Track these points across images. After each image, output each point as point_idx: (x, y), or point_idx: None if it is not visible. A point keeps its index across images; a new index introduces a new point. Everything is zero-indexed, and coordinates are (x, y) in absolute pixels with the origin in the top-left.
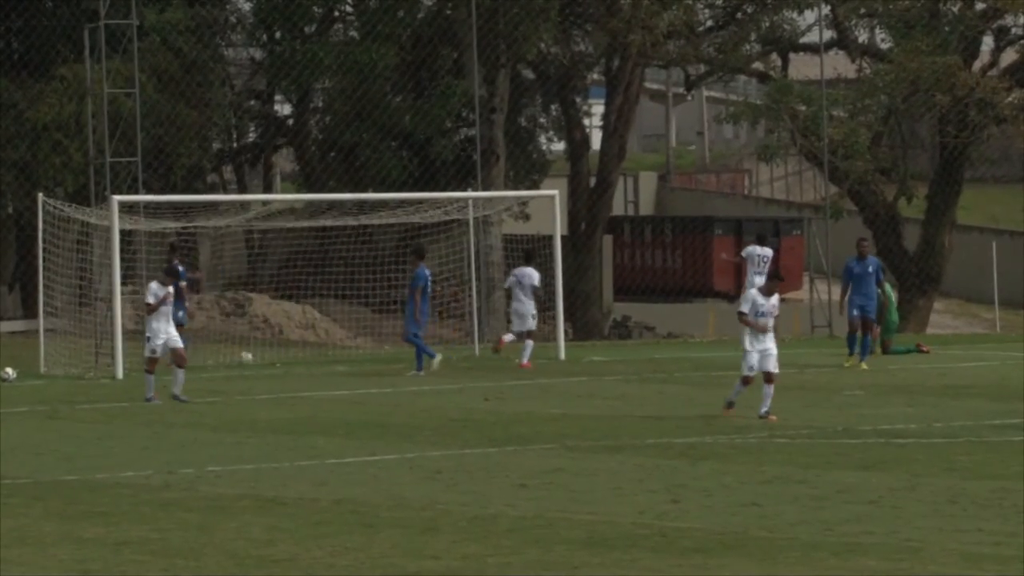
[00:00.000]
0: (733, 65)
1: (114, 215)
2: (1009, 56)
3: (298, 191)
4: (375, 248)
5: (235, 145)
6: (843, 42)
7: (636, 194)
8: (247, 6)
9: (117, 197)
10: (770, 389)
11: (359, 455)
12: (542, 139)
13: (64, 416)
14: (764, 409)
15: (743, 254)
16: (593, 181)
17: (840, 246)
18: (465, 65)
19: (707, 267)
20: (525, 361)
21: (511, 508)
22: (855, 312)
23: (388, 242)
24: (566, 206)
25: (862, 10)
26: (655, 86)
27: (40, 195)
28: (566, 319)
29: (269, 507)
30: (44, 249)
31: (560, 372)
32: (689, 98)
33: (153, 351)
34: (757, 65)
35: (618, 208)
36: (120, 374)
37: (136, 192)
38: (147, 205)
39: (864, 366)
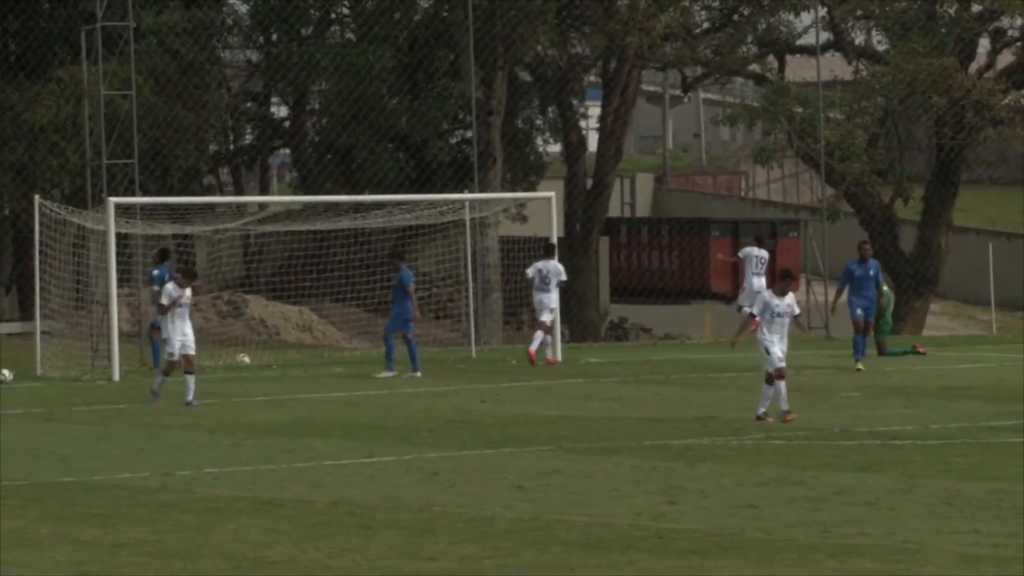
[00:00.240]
0: (730, 67)
1: (110, 217)
2: (1006, 58)
3: (295, 193)
4: (372, 250)
5: (232, 147)
6: (840, 44)
7: (633, 196)
8: (243, 8)
9: (114, 199)
10: (781, 385)
11: (356, 457)
12: (539, 141)
13: (61, 418)
14: (762, 410)
15: (740, 255)
16: (590, 183)
17: (837, 248)
18: (462, 67)
19: (704, 269)
20: (532, 349)
21: (508, 510)
22: (858, 312)
23: (385, 244)
24: (563, 208)
25: (859, 12)
26: (652, 88)
27: (37, 197)
28: (563, 321)
29: (266, 509)
30: (41, 251)
31: (557, 374)
32: (686, 100)
33: (171, 354)
34: (754, 67)
35: (615, 210)
36: (116, 376)
37: (133, 194)
38: (144, 207)
39: (856, 364)
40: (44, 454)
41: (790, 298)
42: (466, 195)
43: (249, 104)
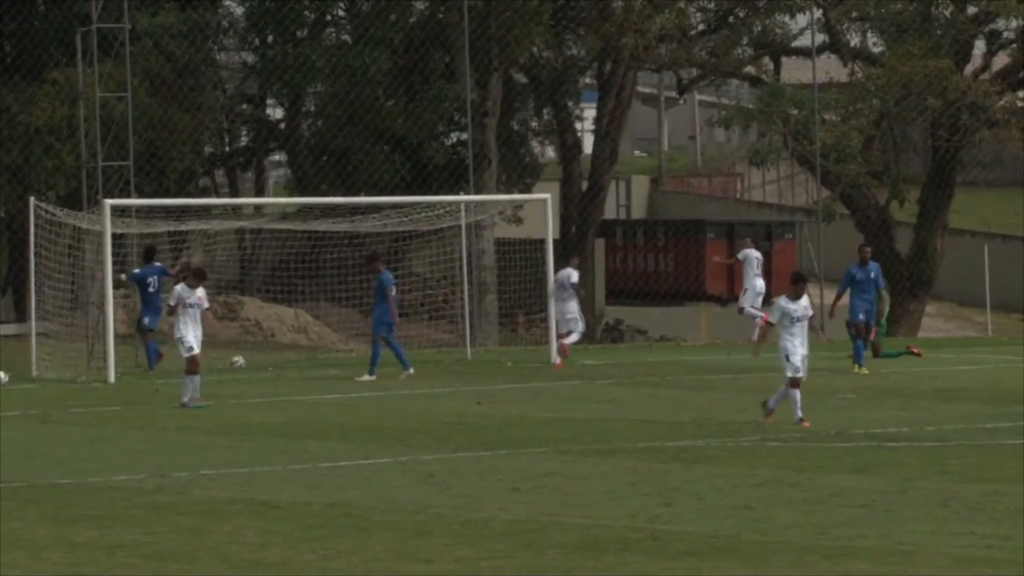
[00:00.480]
0: (725, 69)
1: (106, 219)
2: (1001, 60)
3: (290, 195)
4: (367, 251)
5: (227, 149)
6: (835, 46)
7: (628, 198)
8: (239, 10)
9: (109, 201)
10: (796, 392)
11: (352, 458)
12: (534, 143)
13: (57, 420)
14: (772, 403)
15: (740, 256)
16: (585, 185)
17: (832, 250)
18: (457, 69)
19: (699, 270)
20: (557, 359)
21: (504, 512)
22: (861, 316)
23: (380, 246)
24: (558, 210)
25: (854, 14)
26: (647, 90)
27: (32, 199)
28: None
29: (262, 511)
30: (36, 253)
31: (552, 375)
32: (681, 102)
33: (190, 348)
34: (749, 69)
35: (610, 212)
36: (112, 378)
37: (128, 196)
38: (139, 209)
39: (860, 370)
40: (40, 456)
41: (804, 300)
42: (462, 197)
43: (245, 106)
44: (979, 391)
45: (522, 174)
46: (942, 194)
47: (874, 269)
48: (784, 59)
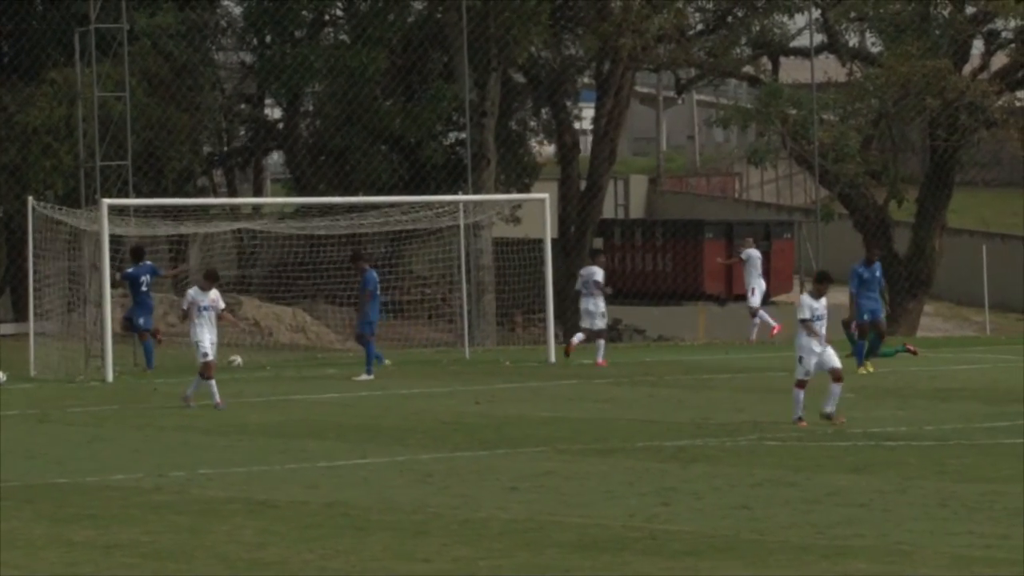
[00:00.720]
0: (723, 69)
1: (104, 218)
2: (999, 60)
3: (288, 195)
4: (366, 251)
5: (225, 149)
6: (833, 46)
7: (626, 197)
8: (237, 10)
9: (107, 200)
10: (838, 388)
11: (350, 458)
12: (532, 143)
13: (54, 419)
14: (830, 408)
15: (743, 256)
16: (583, 185)
17: (831, 249)
18: (455, 69)
19: (697, 270)
20: (600, 360)
21: (502, 511)
22: (866, 317)
23: (378, 245)
24: (556, 210)
25: (852, 14)
26: (645, 90)
27: (30, 198)
28: (556, 322)
29: (260, 510)
30: (34, 253)
31: (550, 375)
32: (680, 102)
33: (205, 354)
34: (747, 69)
35: (608, 211)
36: (110, 377)
37: (126, 196)
38: (137, 209)
39: (865, 367)
40: (38, 455)
41: (824, 300)
42: (460, 197)
43: (243, 106)
44: (977, 391)
45: (520, 174)
46: (940, 194)
47: (878, 268)
48: (782, 59)
